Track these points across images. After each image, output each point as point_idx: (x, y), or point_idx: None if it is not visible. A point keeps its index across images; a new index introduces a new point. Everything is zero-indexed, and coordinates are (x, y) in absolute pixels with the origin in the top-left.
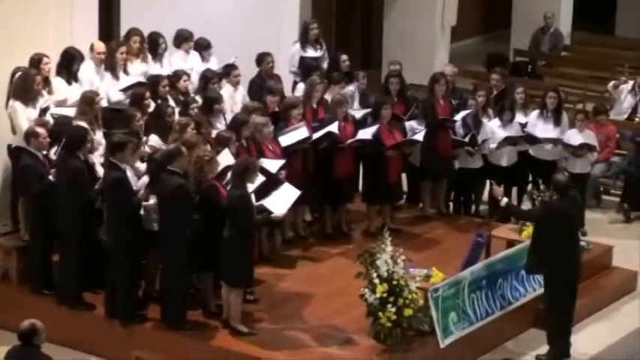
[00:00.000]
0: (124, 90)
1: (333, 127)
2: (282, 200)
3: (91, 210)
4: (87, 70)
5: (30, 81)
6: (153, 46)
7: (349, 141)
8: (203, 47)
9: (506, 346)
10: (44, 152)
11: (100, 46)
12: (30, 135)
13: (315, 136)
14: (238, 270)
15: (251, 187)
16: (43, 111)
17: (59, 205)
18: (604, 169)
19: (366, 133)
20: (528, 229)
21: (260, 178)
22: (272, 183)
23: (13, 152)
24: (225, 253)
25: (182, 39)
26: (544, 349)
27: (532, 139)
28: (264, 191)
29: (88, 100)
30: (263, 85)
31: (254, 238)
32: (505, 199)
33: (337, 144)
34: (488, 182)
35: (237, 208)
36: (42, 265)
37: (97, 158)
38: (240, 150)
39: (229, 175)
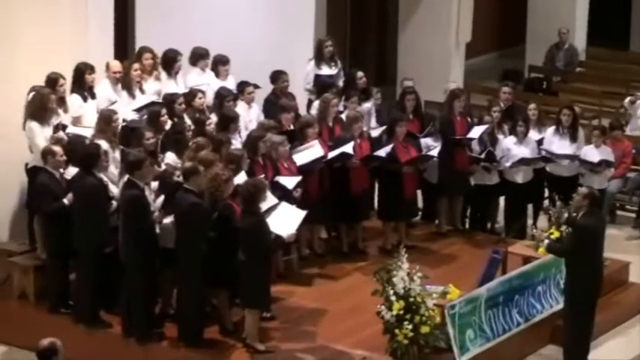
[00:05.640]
0: (138, 110)
1: (348, 148)
2: (287, 222)
3: (108, 228)
4: (104, 90)
5: (45, 100)
6: (169, 63)
7: (361, 157)
8: (222, 63)
9: None
10: (61, 171)
11: (116, 65)
12: (47, 154)
13: (330, 155)
14: (255, 293)
15: (264, 207)
16: (56, 127)
17: (75, 223)
18: (620, 185)
19: (381, 152)
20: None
21: (271, 197)
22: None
23: (30, 171)
24: (241, 276)
25: (198, 56)
26: None
27: (547, 160)
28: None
29: (106, 119)
30: (277, 103)
31: (270, 261)
32: (547, 241)
33: (354, 160)
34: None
35: (252, 233)
36: (59, 283)
37: (113, 176)
38: (257, 167)
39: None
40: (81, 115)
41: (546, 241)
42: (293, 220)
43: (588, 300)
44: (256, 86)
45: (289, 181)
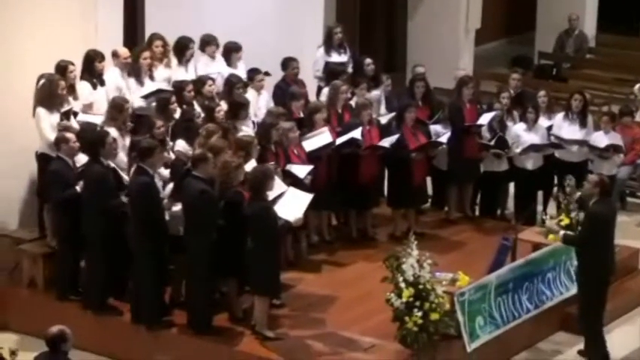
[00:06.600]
0: (145, 97)
1: (357, 134)
2: (293, 206)
3: (117, 215)
4: (113, 76)
5: (54, 87)
6: (181, 50)
7: (367, 146)
8: (234, 50)
9: (532, 349)
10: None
11: (125, 52)
12: (60, 141)
13: (339, 141)
14: (265, 280)
15: (271, 195)
16: (65, 114)
17: (85, 211)
18: (630, 171)
19: (385, 142)
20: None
21: (280, 184)
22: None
23: (40, 158)
24: (250, 263)
25: (206, 43)
26: (571, 352)
27: (557, 146)
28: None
29: (118, 107)
30: (287, 90)
31: (279, 247)
32: (562, 232)
33: (361, 150)
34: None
35: (259, 220)
36: (69, 271)
37: (122, 164)
38: (269, 155)
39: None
40: (92, 103)
41: (562, 232)
42: (300, 205)
43: (599, 286)
44: (267, 74)
45: (301, 170)
